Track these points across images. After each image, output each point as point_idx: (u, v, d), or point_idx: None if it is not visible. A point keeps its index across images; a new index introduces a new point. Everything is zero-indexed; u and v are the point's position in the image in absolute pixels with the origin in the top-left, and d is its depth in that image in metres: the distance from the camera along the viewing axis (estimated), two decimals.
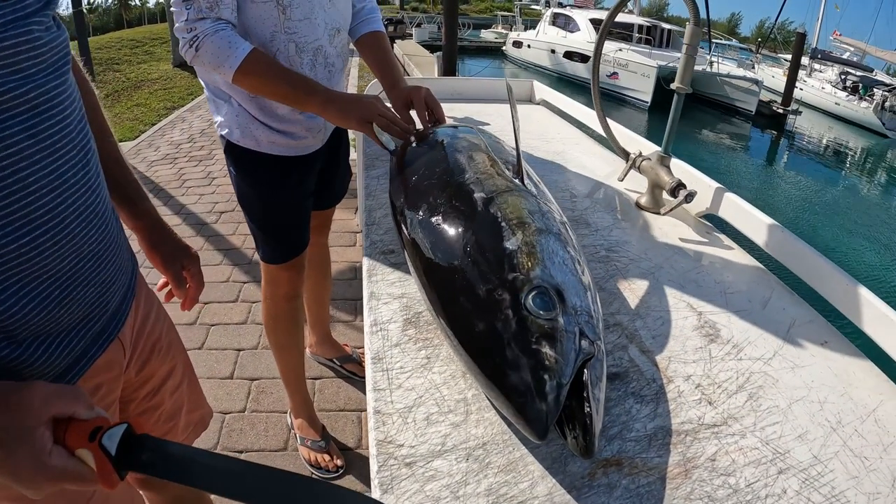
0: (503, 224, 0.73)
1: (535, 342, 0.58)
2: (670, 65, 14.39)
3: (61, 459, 0.55)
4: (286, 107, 1.35)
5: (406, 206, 0.87)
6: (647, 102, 14.29)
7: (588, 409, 0.55)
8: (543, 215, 0.77)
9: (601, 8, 25.48)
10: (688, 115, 14.19)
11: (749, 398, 0.68)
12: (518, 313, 0.61)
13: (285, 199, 1.50)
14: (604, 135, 1.47)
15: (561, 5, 23.36)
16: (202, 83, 1.41)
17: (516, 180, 0.87)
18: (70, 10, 6.79)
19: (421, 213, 0.82)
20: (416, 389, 0.67)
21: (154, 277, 1.09)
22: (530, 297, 0.62)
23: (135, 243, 1.03)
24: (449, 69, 11.97)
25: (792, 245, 0.98)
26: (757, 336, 0.81)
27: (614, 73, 15.45)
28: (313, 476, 1.86)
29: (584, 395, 0.56)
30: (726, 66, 15.97)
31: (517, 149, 0.95)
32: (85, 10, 7.89)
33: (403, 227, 0.84)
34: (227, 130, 1.39)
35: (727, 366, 0.74)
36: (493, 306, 0.62)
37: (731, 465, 0.59)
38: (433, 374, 0.69)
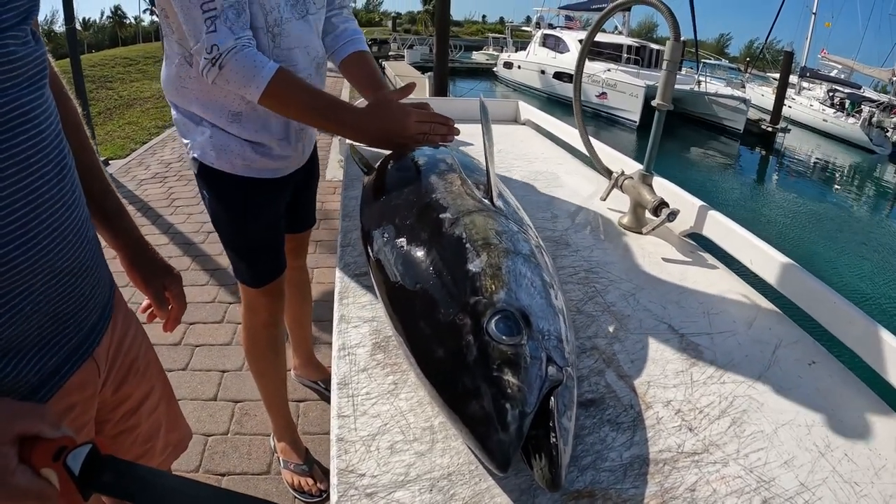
0: (468, 246, 0.70)
1: (497, 369, 0.55)
2: (658, 84, 14.58)
3: (25, 478, 0.55)
4: (267, 129, 1.33)
5: (371, 228, 0.84)
6: (635, 122, 14.45)
7: (554, 440, 0.52)
8: (513, 236, 0.74)
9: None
10: (676, 134, 14.34)
11: (732, 423, 0.65)
12: (480, 339, 0.58)
13: (259, 222, 1.47)
14: (588, 155, 1.45)
15: (551, 27, 23.67)
16: (171, 104, 1.37)
17: (486, 200, 0.83)
18: (64, 27, 6.83)
19: (385, 235, 0.79)
20: (381, 416, 0.63)
21: (138, 297, 1.07)
22: (493, 321, 0.59)
23: (116, 263, 1.01)
24: (440, 89, 12.06)
25: (778, 263, 0.96)
26: (741, 358, 0.78)
27: (603, 94, 15.63)
28: (296, 501, 1.82)
29: (550, 424, 0.53)
30: (714, 86, 16.16)
31: (487, 168, 0.90)
32: (79, 27, 7.90)
33: (369, 249, 0.82)
34: (199, 153, 1.35)
35: (709, 390, 0.71)
36: (454, 332, 0.60)
37: (713, 496, 0.56)
38: (400, 400, 0.66)
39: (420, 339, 0.63)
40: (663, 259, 1.09)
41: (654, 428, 0.64)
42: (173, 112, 1.37)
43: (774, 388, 0.73)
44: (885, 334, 0.76)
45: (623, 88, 15.06)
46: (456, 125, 1.19)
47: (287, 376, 1.85)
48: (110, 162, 5.76)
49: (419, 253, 0.71)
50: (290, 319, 2.07)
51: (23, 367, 0.67)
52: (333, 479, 0.56)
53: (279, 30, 1.22)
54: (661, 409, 0.67)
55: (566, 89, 17.48)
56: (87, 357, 0.79)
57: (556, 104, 17.23)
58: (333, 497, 0.54)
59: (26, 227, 0.63)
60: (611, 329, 0.82)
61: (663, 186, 1.24)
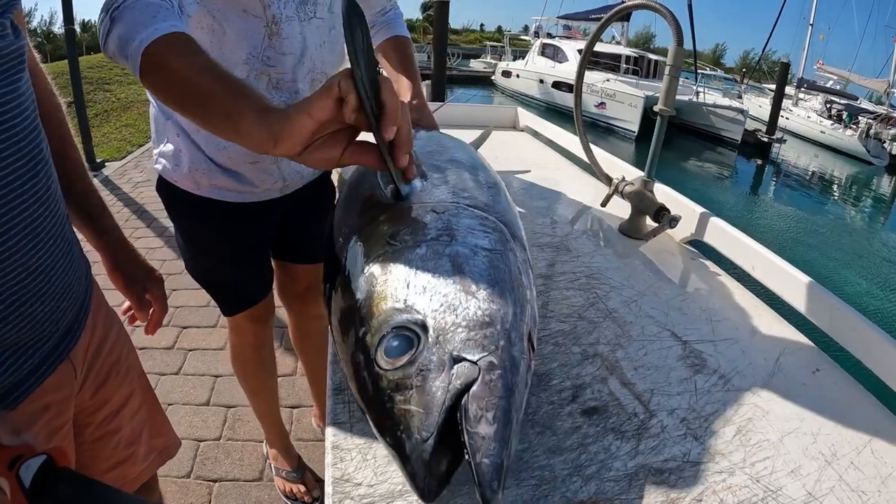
0: (359, 272, 0.62)
1: (389, 400, 0.50)
2: (657, 95, 14.65)
3: None
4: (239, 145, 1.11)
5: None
6: (634, 132, 14.48)
7: (467, 455, 0.45)
8: (415, 226, 0.65)
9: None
10: (673, 144, 14.40)
11: (738, 432, 0.64)
12: (372, 372, 0.53)
13: (221, 251, 1.30)
14: (588, 161, 1.44)
15: (550, 36, 23.79)
16: (151, 101, 1.18)
17: (392, 197, 0.72)
18: (62, 29, 6.81)
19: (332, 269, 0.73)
20: None
21: (120, 299, 1.04)
22: (380, 349, 0.53)
23: (98, 265, 0.99)
24: (437, 96, 12.11)
25: (780, 269, 0.95)
26: (745, 366, 0.76)
27: (602, 103, 15.67)
28: None
29: (461, 437, 0.46)
30: (712, 96, 16.23)
31: (385, 158, 0.65)
32: (78, 29, 7.90)
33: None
34: (162, 165, 1.19)
35: (714, 398, 0.69)
36: (357, 371, 0.55)
37: None
38: None
39: (349, 380, 0.58)
40: (664, 266, 1.08)
41: (658, 437, 0.62)
42: (151, 116, 1.20)
43: (779, 396, 0.72)
44: (889, 342, 0.75)
45: (622, 98, 15.11)
46: (449, 130, 1.06)
47: (280, 385, 1.82)
48: (106, 164, 5.72)
49: (333, 294, 0.66)
50: (309, 373, 1.94)
51: None
52: (328, 488, 0.54)
53: (277, 28, 1.03)
54: (665, 417, 0.65)
55: (565, 98, 17.53)
56: (64, 359, 0.77)
57: (554, 113, 17.26)
58: None
59: None
60: (613, 336, 0.81)
61: (665, 193, 1.23)
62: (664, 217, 1.12)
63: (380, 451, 0.58)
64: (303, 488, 1.79)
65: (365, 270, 0.61)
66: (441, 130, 1.10)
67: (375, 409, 0.51)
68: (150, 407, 1.06)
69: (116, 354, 0.94)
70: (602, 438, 0.61)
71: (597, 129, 15.78)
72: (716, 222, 1.12)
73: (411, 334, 0.53)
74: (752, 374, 0.75)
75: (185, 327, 2.71)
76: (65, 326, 0.76)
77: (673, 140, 14.82)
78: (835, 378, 0.77)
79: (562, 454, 0.58)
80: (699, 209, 1.17)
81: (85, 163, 0.97)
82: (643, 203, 1.18)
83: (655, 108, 1.17)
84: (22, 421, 0.70)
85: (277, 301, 1.56)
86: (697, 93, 15.67)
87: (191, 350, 2.55)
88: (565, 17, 24.45)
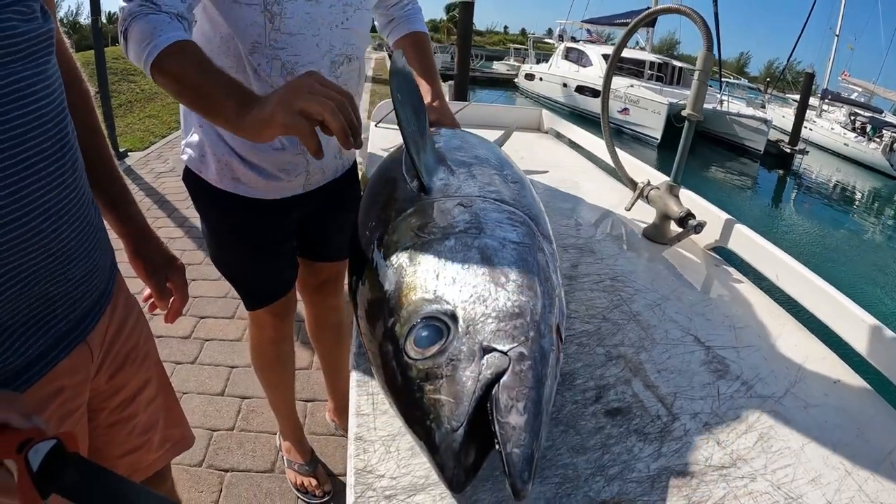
0: (388, 263, 0.63)
1: (419, 390, 0.51)
2: (681, 102, 14.52)
3: None
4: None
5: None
6: (657, 139, 14.35)
7: (497, 445, 0.46)
8: (442, 219, 0.66)
9: (613, 44, 25.84)
10: (696, 152, 14.27)
11: (759, 438, 0.64)
12: (401, 362, 0.54)
13: (244, 246, 1.31)
14: (612, 164, 1.44)
15: (574, 40, 23.68)
16: None
17: (418, 190, 0.74)
18: (89, 20, 6.92)
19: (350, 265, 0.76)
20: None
21: (139, 286, 1.06)
22: (409, 339, 0.54)
23: (121, 253, 1.00)
24: (460, 97, 12.15)
25: (804, 278, 0.94)
26: (767, 373, 0.76)
27: (625, 109, 15.56)
28: (299, 501, 1.81)
29: (492, 428, 0.47)
30: (736, 105, 16.05)
31: (410, 152, 0.72)
32: (104, 21, 8.01)
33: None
34: (188, 155, 1.21)
35: (736, 403, 0.69)
36: (386, 362, 0.56)
37: None
38: None
39: (376, 371, 0.59)
40: (688, 271, 1.07)
41: (681, 440, 0.62)
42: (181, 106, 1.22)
43: (801, 404, 0.71)
44: None
45: (645, 105, 14.99)
46: (473, 130, 1.06)
47: (296, 378, 1.83)
48: (129, 154, 5.80)
49: (360, 286, 0.67)
50: (324, 365, 1.95)
51: (7, 347, 0.66)
52: (350, 479, 0.55)
53: (279, 8, 1.01)
54: (688, 420, 0.65)
55: (589, 103, 17.45)
56: (80, 342, 0.77)
57: (578, 118, 17.14)
58: (350, 497, 0.53)
59: (18, 204, 0.62)
60: (637, 338, 0.81)
61: (690, 198, 1.23)
62: (689, 223, 1.11)
63: (403, 443, 0.59)
64: (314, 482, 1.80)
65: (393, 262, 0.61)
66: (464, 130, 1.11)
67: (404, 399, 0.52)
68: (167, 397, 1.07)
69: (134, 341, 0.95)
70: (625, 439, 0.61)
71: (620, 135, 15.68)
72: (740, 229, 1.11)
73: (441, 325, 0.53)
74: (774, 382, 0.75)
75: (202, 317, 2.74)
76: (84, 309, 0.77)
77: (696, 148, 14.61)
78: (856, 388, 0.77)
79: (585, 454, 0.59)
80: (724, 216, 1.16)
81: (111, 150, 0.98)
82: (668, 208, 1.17)
83: (683, 113, 1.17)
84: (34, 403, 0.71)
85: (298, 295, 1.58)
86: (721, 101, 15.52)
87: (208, 340, 2.58)
88: (590, 21, 24.31)
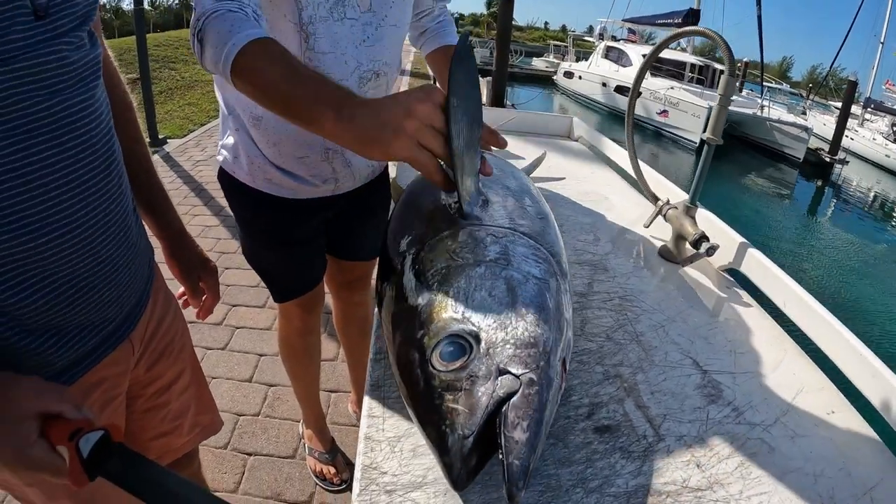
0: (423, 279, 0.69)
1: (439, 397, 0.57)
2: (710, 118, 14.26)
3: (42, 451, 0.60)
4: (293, 143, 1.16)
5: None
6: (695, 143, 14.11)
7: (501, 455, 0.52)
8: (477, 244, 0.72)
9: (653, 44, 25.45)
10: (734, 157, 13.98)
11: (740, 465, 0.67)
12: (426, 371, 0.60)
13: (274, 243, 1.37)
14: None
15: (615, 38, 23.39)
16: (218, 94, 1.24)
17: (457, 214, 0.78)
18: (132, 6, 7.12)
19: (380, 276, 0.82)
20: (409, 420, 0.68)
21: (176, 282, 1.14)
22: (435, 352, 0.60)
23: (159, 250, 1.08)
24: (498, 94, 12.08)
25: (809, 308, 0.96)
26: (760, 400, 0.79)
27: (664, 111, 15.33)
28: (317, 487, 1.89)
29: (498, 439, 0.53)
30: (776, 111, 15.67)
31: (456, 178, 0.71)
32: (147, 7, 8.21)
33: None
34: (223, 157, 1.28)
35: (724, 429, 0.73)
36: (410, 368, 0.62)
37: None
38: None
39: (398, 373, 0.65)
40: (698, 292, 1.10)
41: (663, 460, 0.66)
42: (220, 105, 1.25)
43: (789, 434, 0.74)
44: None
45: (685, 108, 14.74)
46: (508, 137, 1.06)
47: (321, 369, 1.91)
48: (168, 141, 5.97)
49: (391, 293, 0.73)
50: (349, 357, 2.02)
51: (62, 344, 0.73)
52: (357, 473, 0.61)
53: (312, 28, 1.05)
54: (672, 442, 0.69)
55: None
56: (124, 339, 0.86)
57: (616, 119, 16.98)
58: (356, 489, 0.59)
59: (73, 217, 0.69)
60: (637, 359, 0.85)
61: (707, 219, 1.25)
62: (702, 245, 1.14)
63: (406, 445, 0.65)
64: (333, 470, 1.88)
65: (428, 279, 0.68)
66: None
67: (423, 403, 0.59)
68: (199, 386, 1.16)
69: (171, 335, 1.03)
70: (610, 456, 0.66)
71: (659, 137, 15.46)
72: (753, 253, 1.13)
73: (465, 343, 0.60)
74: (766, 410, 0.78)
75: (234, 305, 2.84)
76: (127, 310, 0.85)
77: (734, 154, 14.41)
78: (849, 422, 0.79)
79: (570, 466, 0.64)
80: (739, 239, 1.19)
81: (151, 158, 1.06)
82: (684, 229, 1.20)
83: (703, 136, 1.19)
84: (80, 391, 0.79)
85: (326, 288, 1.65)
86: (762, 107, 15.17)
87: (238, 328, 2.68)
88: (631, 20, 23.97)
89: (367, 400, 0.73)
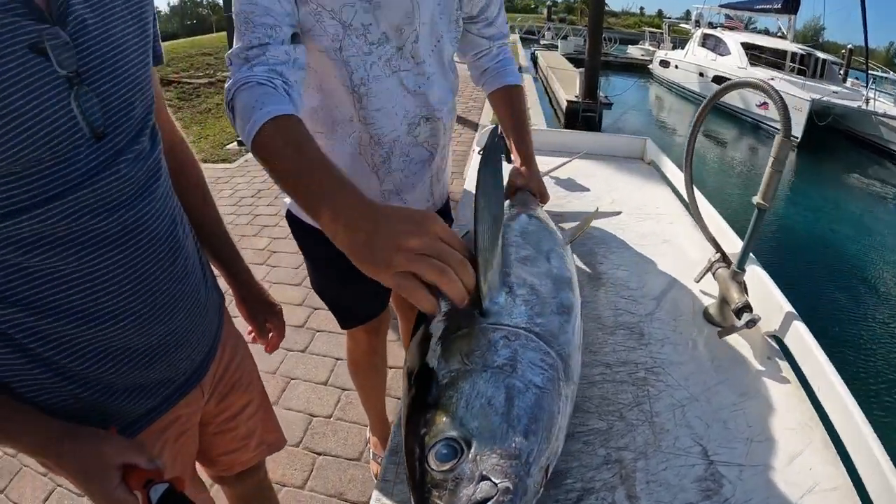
0: (433, 377, 0.76)
1: (427, 492, 0.64)
2: (824, 98, 13.17)
3: (123, 494, 0.76)
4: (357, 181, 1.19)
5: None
6: (797, 139, 13.09)
7: None
8: (488, 348, 0.77)
9: (754, 30, 23.78)
10: (837, 154, 12.93)
11: None
12: (422, 465, 0.67)
13: (338, 277, 1.45)
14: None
15: (711, 25, 22.12)
16: None
17: (476, 312, 0.82)
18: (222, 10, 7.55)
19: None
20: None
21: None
22: (431, 451, 0.67)
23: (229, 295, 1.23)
24: (591, 86, 11.77)
25: (839, 396, 0.93)
26: (762, 499, 0.79)
27: (764, 103, 14.34)
28: None
29: None
30: (883, 104, 14.12)
31: (477, 275, 0.75)
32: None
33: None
34: (288, 199, 1.37)
35: None
36: (411, 457, 0.70)
37: None
38: None
39: (405, 457, 0.73)
40: (734, 363, 1.09)
41: None
42: None
43: None
44: None
45: (786, 100, 13.68)
46: (578, 161, 1.00)
47: (387, 380, 2.03)
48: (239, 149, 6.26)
49: (408, 381, 0.81)
50: None
51: (139, 398, 0.90)
52: None
53: (365, 89, 1.08)
54: None
55: (727, 97, 16.23)
56: (194, 387, 1.00)
57: (713, 111, 16.00)
58: None
59: (146, 302, 0.83)
60: (642, 443, 0.87)
61: (759, 280, 1.23)
62: (743, 316, 1.13)
63: None
64: None
65: (440, 378, 0.76)
66: (562, 157, 1.13)
67: (417, 492, 0.67)
68: (265, 411, 1.31)
69: (240, 373, 1.18)
70: None
71: (758, 130, 14.52)
72: (797, 327, 1.09)
73: (458, 447, 0.68)
74: None
75: (316, 308, 3.04)
76: (198, 362, 1.00)
77: (837, 150, 13.35)
78: None
79: None
80: (787, 307, 1.15)
81: (220, 214, 1.19)
82: (729, 294, 1.19)
83: (753, 201, 1.15)
84: (157, 430, 0.94)
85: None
86: (867, 99, 13.79)
87: (319, 331, 2.87)
88: (728, 5, 22.59)
89: (384, 464, 0.83)
